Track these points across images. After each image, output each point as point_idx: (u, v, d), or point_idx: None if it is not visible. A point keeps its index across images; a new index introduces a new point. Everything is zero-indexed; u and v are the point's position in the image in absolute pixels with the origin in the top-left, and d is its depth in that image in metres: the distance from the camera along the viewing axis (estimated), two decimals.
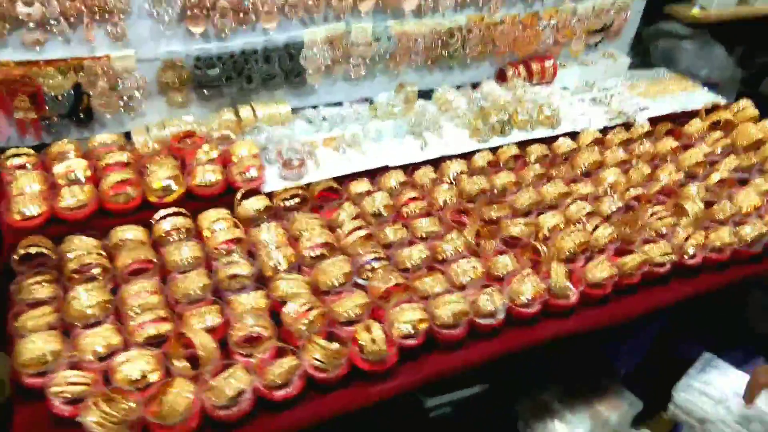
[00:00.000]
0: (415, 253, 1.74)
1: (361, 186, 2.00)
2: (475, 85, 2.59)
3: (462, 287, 1.67)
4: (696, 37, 3.78)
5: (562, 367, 2.09)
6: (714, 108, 2.55)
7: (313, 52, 2.20)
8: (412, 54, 2.39)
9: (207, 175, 1.87)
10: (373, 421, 1.74)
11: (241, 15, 2.05)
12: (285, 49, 2.17)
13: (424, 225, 1.86)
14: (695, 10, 2.69)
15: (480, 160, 2.17)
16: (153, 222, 1.74)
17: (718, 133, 2.38)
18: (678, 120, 2.50)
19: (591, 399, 2.05)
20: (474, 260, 1.73)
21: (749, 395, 1.59)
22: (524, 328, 1.66)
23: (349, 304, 1.57)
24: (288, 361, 1.41)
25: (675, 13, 2.76)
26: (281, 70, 2.19)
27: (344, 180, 2.03)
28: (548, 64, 2.64)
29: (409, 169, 2.12)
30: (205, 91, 2.13)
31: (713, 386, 1.88)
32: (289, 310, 1.52)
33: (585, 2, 2.60)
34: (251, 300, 1.56)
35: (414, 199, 1.97)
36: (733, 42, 4.32)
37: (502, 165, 2.20)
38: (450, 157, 2.18)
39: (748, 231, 1.91)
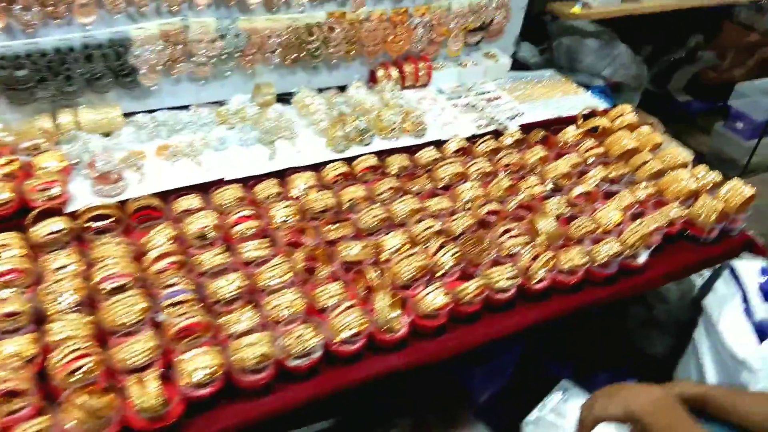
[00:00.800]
0: (229, 284, 1.55)
1: (187, 203, 1.79)
2: (344, 88, 2.41)
3: (279, 323, 1.50)
4: (600, 35, 3.69)
5: (414, 398, 1.94)
6: (592, 114, 2.43)
7: (144, 50, 1.97)
8: (267, 53, 2.19)
9: None
10: None
11: (50, 8, 1.80)
12: (110, 47, 1.93)
13: (250, 249, 1.67)
14: (576, 8, 2.57)
15: (331, 172, 1.99)
16: None
17: (590, 142, 2.26)
18: (553, 127, 2.37)
19: None
20: (296, 291, 1.55)
21: None
22: (343, 367, 1.50)
23: (135, 349, 1.36)
24: (39, 423, 1.21)
25: (555, 10, 2.63)
26: (108, 69, 1.96)
27: (173, 196, 1.82)
28: (422, 65, 2.47)
29: (250, 183, 1.92)
30: (16, 94, 1.88)
31: (566, 418, 1.77)
32: (54, 358, 1.31)
33: None
34: (15, 346, 1.34)
35: (248, 217, 1.78)
36: (642, 40, 4.28)
37: (357, 178, 2.03)
38: (299, 169, 1.99)
39: (604, 250, 1.79)
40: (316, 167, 2.02)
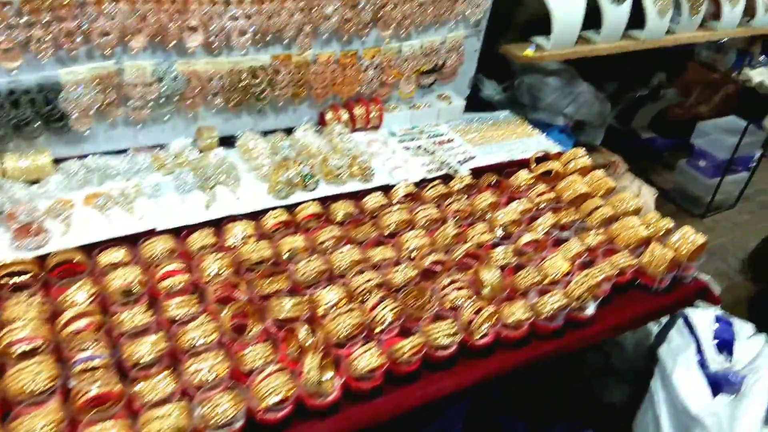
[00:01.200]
0: (147, 346, 1.45)
1: (112, 256, 1.69)
2: (293, 131, 2.34)
3: (200, 388, 1.40)
4: (562, 73, 3.70)
5: None
6: (545, 157, 2.40)
7: (76, 94, 1.89)
8: (208, 96, 2.12)
9: None
10: None
11: None
12: (39, 92, 1.85)
13: (174, 306, 1.57)
14: (528, 51, 2.55)
15: (270, 220, 1.91)
16: None
17: (542, 186, 2.22)
18: (506, 170, 2.32)
19: None
20: (219, 353, 1.46)
21: None
22: None
23: (37, 422, 1.26)
24: None
25: (509, 53, 2.62)
26: (37, 115, 1.88)
27: (98, 249, 1.72)
28: (373, 107, 2.43)
29: (185, 233, 1.83)
30: None
31: None
32: None
33: (410, 41, 2.41)
34: None
35: (176, 271, 1.69)
36: (605, 78, 4.31)
37: (300, 226, 1.95)
38: (238, 217, 1.91)
39: (549, 303, 1.72)
40: (258, 215, 1.95)
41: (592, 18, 2.84)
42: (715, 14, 3.41)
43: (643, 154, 4.49)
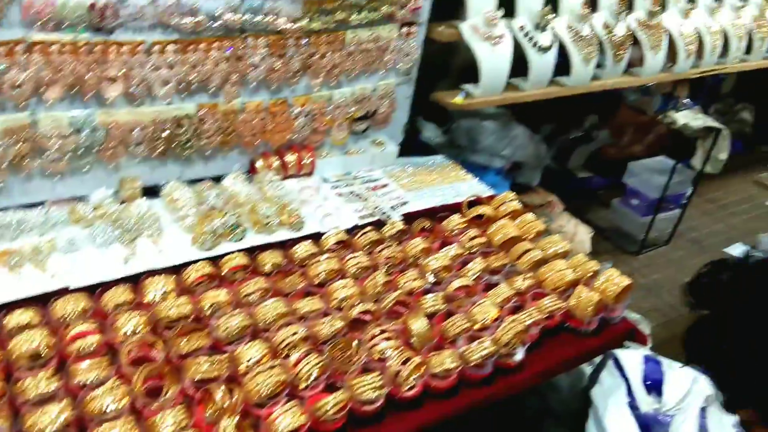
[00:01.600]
0: (50, 416, 1.36)
1: (20, 318, 1.60)
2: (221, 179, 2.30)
3: None
4: (498, 116, 3.79)
5: None
6: (477, 201, 2.42)
7: None
8: (131, 146, 2.07)
9: None
10: None
11: None
12: None
13: (83, 370, 1.49)
14: (458, 98, 2.60)
15: (193, 273, 1.85)
16: None
17: (473, 231, 2.23)
18: (438, 215, 2.33)
19: None
20: (127, 420, 1.38)
21: None
22: None
23: None
24: None
25: (440, 100, 2.67)
26: None
27: (5, 311, 1.63)
28: (305, 154, 2.41)
29: (101, 289, 1.75)
30: None
31: None
32: None
33: (341, 89, 2.42)
34: None
35: (88, 332, 1.60)
36: (541, 120, 4.44)
37: (225, 278, 1.90)
38: (159, 271, 1.84)
39: (477, 351, 1.71)
40: (181, 268, 1.88)
41: (521, 65, 2.94)
42: (639, 61, 3.58)
43: (579, 193, 4.60)
